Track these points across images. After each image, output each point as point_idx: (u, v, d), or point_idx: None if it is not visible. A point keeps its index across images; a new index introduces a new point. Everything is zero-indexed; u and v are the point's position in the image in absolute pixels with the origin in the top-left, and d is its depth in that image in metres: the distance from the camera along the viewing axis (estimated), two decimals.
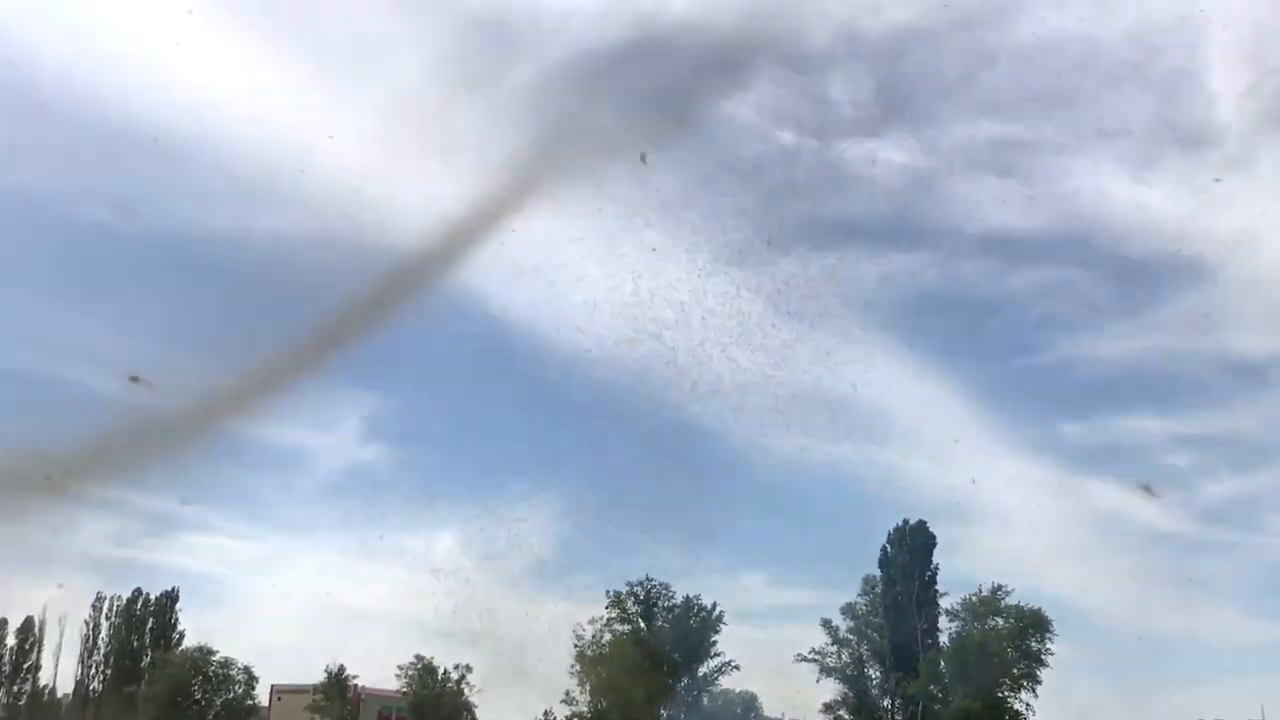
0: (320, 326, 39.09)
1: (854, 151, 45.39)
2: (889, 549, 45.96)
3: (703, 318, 45.78)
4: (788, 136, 45.84)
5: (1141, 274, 42.08)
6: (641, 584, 44.92)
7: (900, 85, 44.08)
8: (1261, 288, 38.64)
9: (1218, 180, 38.47)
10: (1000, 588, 44.51)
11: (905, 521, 46.27)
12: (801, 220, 46.72)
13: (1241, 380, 41.84)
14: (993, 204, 43.26)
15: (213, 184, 43.19)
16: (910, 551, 45.55)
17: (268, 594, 45.02)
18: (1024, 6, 40.72)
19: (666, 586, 45.24)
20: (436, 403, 50.54)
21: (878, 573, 45.69)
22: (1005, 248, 44.62)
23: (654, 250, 46.07)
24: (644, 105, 44.46)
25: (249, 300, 41.52)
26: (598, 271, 45.93)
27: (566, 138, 44.35)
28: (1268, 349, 39.99)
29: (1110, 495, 43.33)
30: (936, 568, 45.18)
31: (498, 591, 43.58)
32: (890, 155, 44.82)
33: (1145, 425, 43.84)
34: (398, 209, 43.43)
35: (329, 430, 46.62)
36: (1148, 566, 41.87)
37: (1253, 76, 38.45)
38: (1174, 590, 43.58)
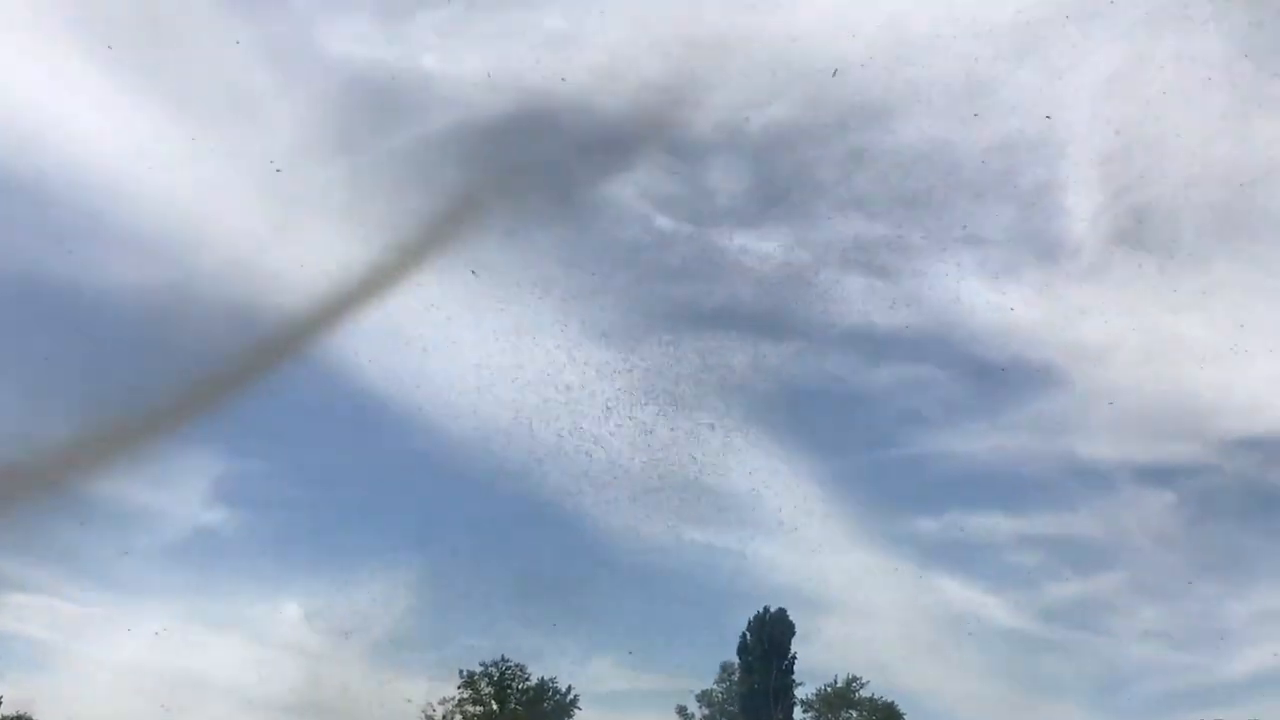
0: (179, 386, 37.76)
1: (729, 241, 46.51)
2: (748, 636, 46.13)
3: (571, 395, 45.85)
4: (665, 221, 46.78)
5: (998, 377, 43.78)
6: (496, 664, 44.19)
7: (777, 180, 45.50)
8: (1109, 396, 40.56)
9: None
10: (855, 679, 45.26)
11: (766, 609, 46.58)
12: (674, 304, 47.47)
13: (1088, 484, 43.62)
14: (860, 300, 44.63)
15: (72, 231, 41.60)
16: (769, 639, 45.84)
17: (98, 661, 42.32)
18: (897, 114, 42.57)
19: (521, 667, 44.47)
20: (293, 469, 48.96)
21: (736, 660, 46.06)
22: (870, 343, 45.97)
23: (527, 325, 46.18)
24: (525, 180, 44.83)
25: (104, 354, 39.96)
26: (469, 343, 45.71)
27: (445, 208, 44.32)
28: (1113, 456, 41.86)
29: (960, 592, 44.40)
30: (794, 657, 45.37)
31: (345, 666, 42.04)
32: (764, 247, 46.05)
33: (996, 524, 45.26)
34: (269, 269, 42.58)
35: (174, 490, 44.57)
36: (994, 663, 42.85)
37: (1105, 197, 40.73)
38: (1019, 687, 44.59)
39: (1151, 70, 39.91)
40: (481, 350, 45.44)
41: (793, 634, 46.55)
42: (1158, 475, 42.75)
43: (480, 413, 45.23)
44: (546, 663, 43.98)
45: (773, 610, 47.29)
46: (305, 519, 48.92)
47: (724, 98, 43.37)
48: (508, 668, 44.16)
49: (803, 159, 44.97)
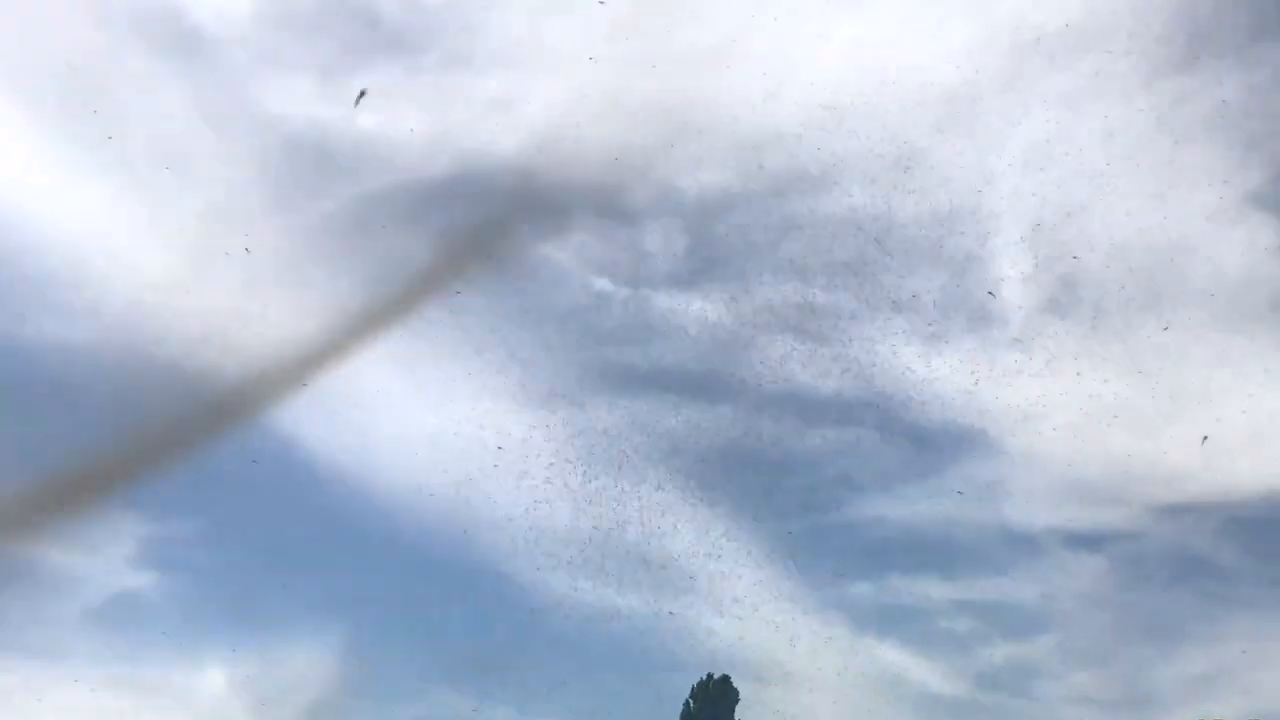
0: (106, 449, 37.09)
1: (665, 303, 46.73)
2: (691, 704, 45.73)
3: (508, 459, 45.36)
4: (603, 283, 46.92)
5: (931, 441, 44.04)
6: None
7: (713, 244, 45.90)
8: (1040, 463, 40.93)
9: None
10: None
11: (709, 676, 46.18)
12: (611, 367, 47.41)
13: (1019, 550, 43.78)
14: (794, 364, 44.83)
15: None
16: (713, 707, 45.42)
17: None
18: (832, 181, 43.29)
19: None
20: (222, 533, 47.67)
21: None
22: (804, 407, 46.11)
23: (462, 387, 45.86)
24: (462, 242, 44.80)
25: (20, 412, 39.05)
26: (403, 406, 45.24)
27: (381, 269, 44.16)
28: (1044, 522, 42.15)
29: (894, 656, 44.19)
30: None
31: None
32: (700, 310, 46.32)
33: (929, 589, 45.21)
34: (203, 332, 42.00)
35: (97, 553, 43.31)
36: None
37: (1033, 266, 41.50)
38: None
39: (1078, 144, 41.10)
40: (416, 413, 45.08)
41: (736, 701, 46.21)
42: (1087, 541, 43.14)
43: (414, 477, 44.71)
44: None
45: (716, 677, 46.98)
46: (233, 584, 47.63)
47: (661, 164, 43.90)
48: None
49: (738, 224, 45.50)
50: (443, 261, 44.45)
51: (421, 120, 44.68)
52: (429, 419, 44.53)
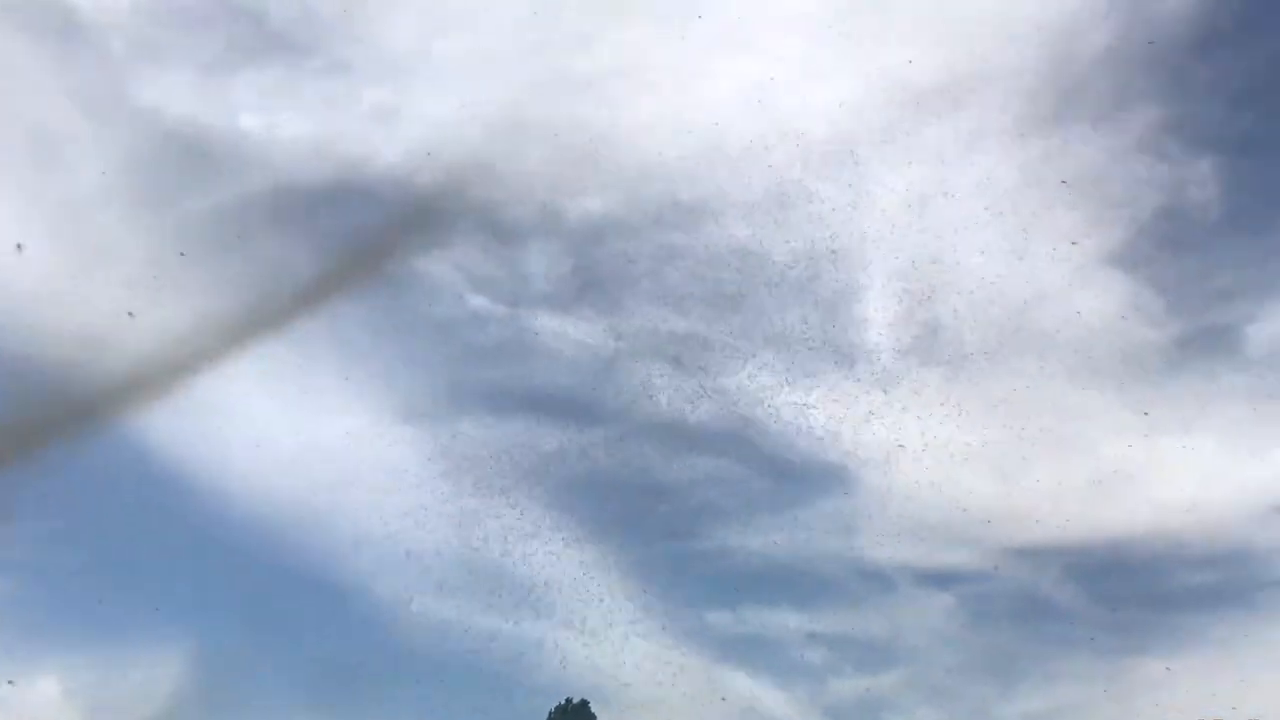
0: None
1: (543, 325, 46.70)
2: None
3: (375, 475, 44.64)
4: (480, 301, 46.67)
5: (794, 476, 44.78)
6: None
7: (593, 269, 46.09)
8: (895, 501, 41.91)
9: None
10: None
11: (568, 700, 46.05)
12: (485, 386, 47.10)
13: (873, 585, 44.73)
14: (666, 392, 45.23)
15: None
16: None
17: None
18: (710, 215, 43.99)
19: None
20: (69, 537, 45.72)
21: None
22: (674, 436, 46.50)
23: (331, 401, 45.00)
24: (337, 250, 44.11)
25: None
26: (269, 417, 44.10)
27: (254, 274, 43.14)
28: (896, 558, 43.13)
29: (748, 686, 44.60)
30: None
31: None
32: (577, 333, 46.43)
33: (785, 620, 45.83)
34: (65, 326, 40.48)
35: None
36: None
37: (900, 309, 42.67)
38: None
39: (949, 195, 42.52)
40: (282, 424, 44.05)
41: None
42: (937, 579, 44.33)
43: (277, 489, 43.62)
44: None
45: (574, 702, 46.80)
46: (79, 589, 45.76)
47: (545, 183, 43.97)
48: None
49: (619, 250, 45.83)
50: (319, 270, 43.71)
51: (304, 125, 44.09)
52: (295, 431, 43.64)
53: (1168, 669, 38.97)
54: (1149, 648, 41.09)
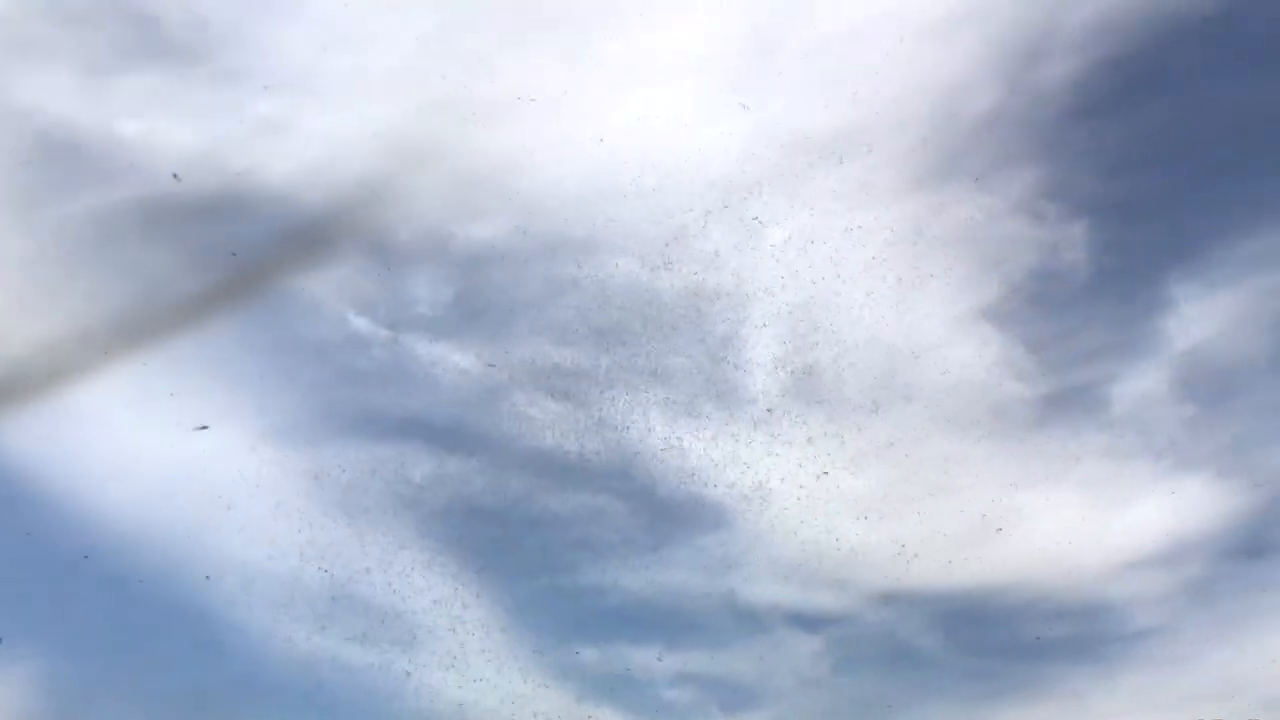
0: None
1: (424, 351, 45.78)
2: None
3: (243, 497, 43.14)
4: (361, 323, 45.64)
5: (671, 513, 44.68)
6: None
7: (478, 296, 45.43)
8: (768, 540, 42.21)
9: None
10: None
11: None
12: (362, 409, 45.83)
13: (744, 625, 44.85)
14: (548, 424, 44.74)
15: None
16: None
17: None
18: (600, 249, 43.87)
19: None
20: None
21: None
22: (553, 468, 45.94)
23: (200, 418, 43.55)
24: (215, 265, 42.87)
25: None
26: (132, 434, 42.23)
27: (127, 285, 41.70)
28: (768, 597, 43.31)
29: None
30: None
31: None
32: (459, 360, 45.67)
33: (654, 659, 45.62)
34: None
35: None
36: None
37: (781, 353, 43.20)
38: None
39: (834, 244, 43.24)
40: (145, 441, 42.36)
41: None
42: (807, 621, 44.56)
43: (138, 510, 41.72)
44: None
45: None
46: None
47: (433, 207, 43.34)
48: None
49: (505, 279, 45.39)
50: (196, 285, 42.42)
51: (187, 134, 42.71)
52: (160, 449, 41.98)
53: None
54: (1007, 696, 42.04)
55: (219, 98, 44.29)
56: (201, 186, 42.27)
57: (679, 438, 46.92)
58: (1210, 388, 45.87)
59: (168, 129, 43.77)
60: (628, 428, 46.75)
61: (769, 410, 45.46)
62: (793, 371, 45.52)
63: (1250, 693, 37.67)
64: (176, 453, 41.70)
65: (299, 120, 44.81)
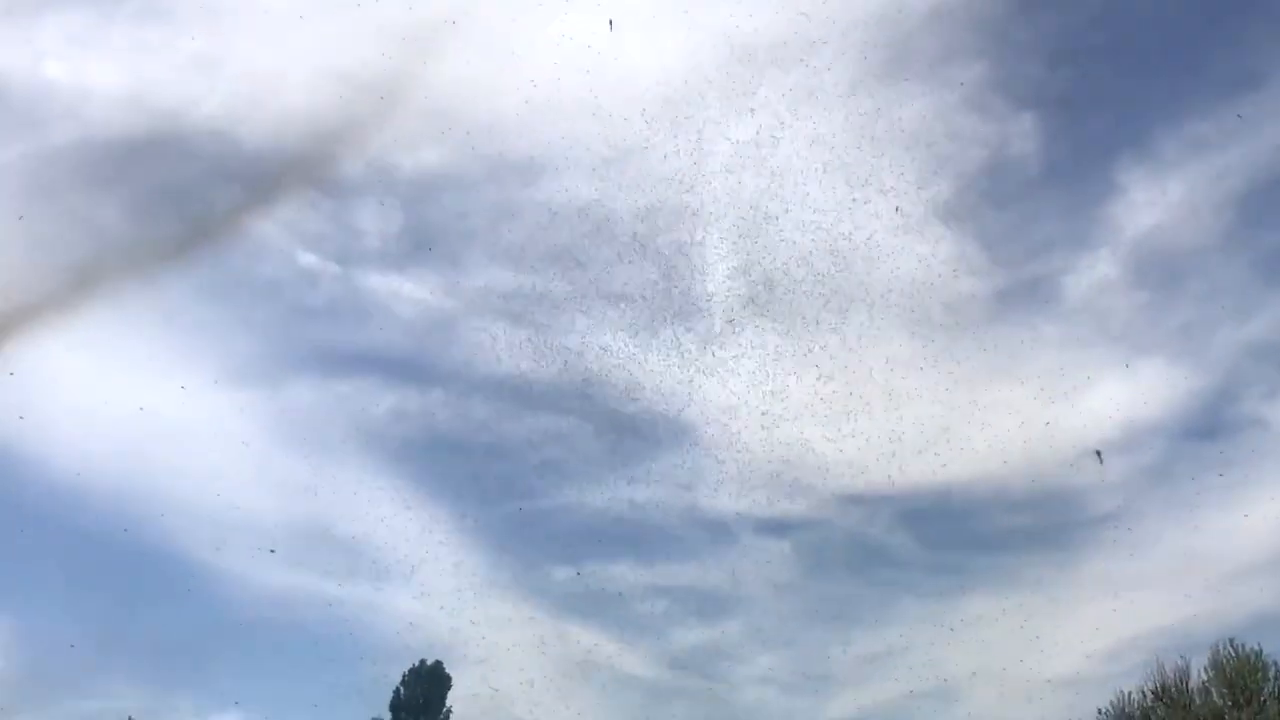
0: None
1: (377, 283, 45.63)
2: (402, 690, 45.00)
3: (201, 439, 43.19)
4: (310, 259, 45.28)
5: (635, 431, 45.10)
6: None
7: (428, 226, 45.18)
8: (733, 453, 42.59)
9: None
10: None
11: (422, 661, 45.64)
12: (316, 345, 45.90)
13: (713, 536, 45.58)
14: (505, 350, 44.85)
15: None
16: (425, 693, 44.87)
17: None
18: (548, 171, 43.42)
19: None
20: None
21: (387, 715, 44.59)
22: (513, 394, 46.24)
23: (152, 361, 43.18)
24: (156, 206, 42.15)
25: None
26: (86, 382, 42.07)
27: (65, 232, 40.88)
28: (735, 509, 43.98)
29: (592, 640, 45.04)
30: (450, 710, 44.83)
31: None
32: (412, 291, 45.53)
33: (627, 574, 46.35)
34: None
35: None
36: (623, 711, 43.62)
37: (736, 265, 43.04)
38: None
39: (782, 150, 42.88)
40: (100, 388, 42.03)
41: (449, 687, 45.84)
42: (775, 528, 45.42)
43: (103, 459, 41.72)
44: None
45: (429, 663, 46.38)
46: None
47: (376, 138, 42.77)
48: None
49: (454, 207, 45.02)
50: (136, 228, 41.69)
51: (114, 73, 41.70)
52: (118, 397, 41.63)
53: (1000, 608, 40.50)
54: (973, 588, 43.03)
55: (145, 35, 43.11)
56: (134, 126, 41.37)
57: (639, 357, 47.03)
58: (1161, 273, 46.36)
59: (94, 69, 42.68)
60: (587, 350, 46.78)
61: (726, 323, 45.60)
62: (748, 283, 45.51)
63: (1208, 570, 38.61)
64: (136, 401, 41.28)
65: (229, 56, 43.79)
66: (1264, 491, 40.41)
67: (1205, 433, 44.44)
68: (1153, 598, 38.36)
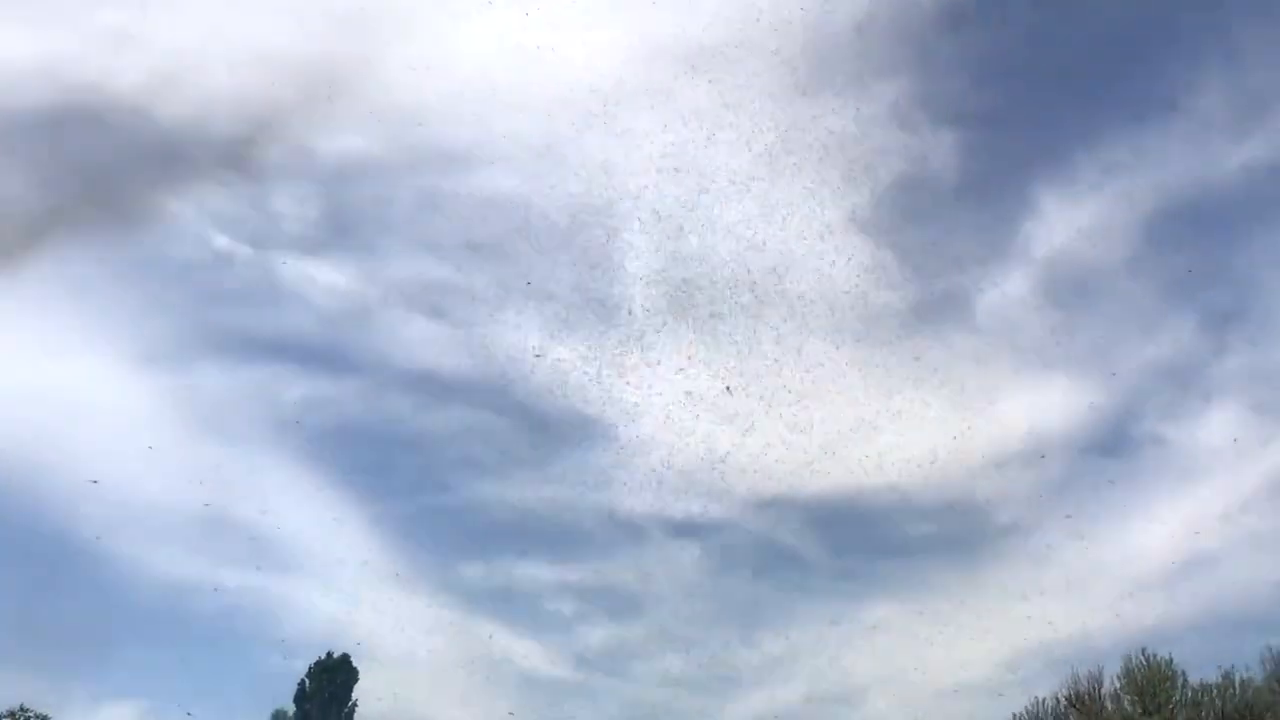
0: None
1: (292, 268, 44.92)
2: (308, 683, 44.32)
3: (107, 421, 42.13)
4: (224, 241, 44.41)
5: (550, 428, 45.04)
6: (14, 714, 39.59)
7: (348, 212, 44.60)
8: (644, 454, 42.71)
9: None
10: None
11: (329, 654, 44.96)
12: (229, 330, 45.03)
13: (624, 536, 45.72)
14: (422, 342, 44.57)
15: None
16: (330, 686, 44.24)
17: None
18: (475, 162, 43.26)
19: (46, 718, 39.98)
20: None
21: (291, 708, 43.92)
22: (430, 386, 45.94)
23: (59, 342, 42.07)
24: (67, 182, 41.06)
25: None
26: None
27: None
28: (646, 509, 44.13)
29: (499, 637, 44.92)
30: (355, 704, 44.27)
31: None
32: (329, 278, 44.90)
33: (538, 572, 46.31)
34: None
35: None
36: (529, 709, 43.48)
37: (657, 267, 43.12)
38: None
39: (707, 155, 43.09)
40: (6, 367, 40.88)
41: (355, 680, 45.23)
42: (686, 529, 45.69)
43: (3, 437, 40.55)
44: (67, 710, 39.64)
45: (336, 656, 45.71)
46: None
47: (297, 121, 42.11)
48: (27, 718, 39.90)
49: (376, 194, 44.52)
50: (45, 203, 40.58)
51: (24, 45, 40.42)
52: (20, 374, 40.45)
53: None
54: (878, 593, 43.69)
55: (57, 6, 41.87)
56: (45, 99, 40.22)
57: (558, 354, 46.93)
58: (1071, 292, 47.51)
59: (9, 39, 41.43)
60: (505, 345, 46.59)
61: (645, 324, 45.71)
62: (668, 285, 45.75)
63: (1107, 583, 39.57)
64: (39, 379, 40.17)
65: (146, 30, 42.73)
66: (1162, 507, 41.68)
67: (1107, 448, 45.67)
68: (1054, 607, 39.18)
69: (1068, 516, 41.84)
